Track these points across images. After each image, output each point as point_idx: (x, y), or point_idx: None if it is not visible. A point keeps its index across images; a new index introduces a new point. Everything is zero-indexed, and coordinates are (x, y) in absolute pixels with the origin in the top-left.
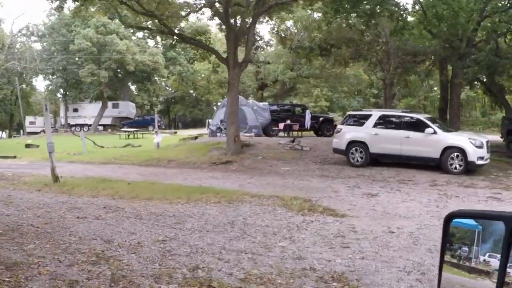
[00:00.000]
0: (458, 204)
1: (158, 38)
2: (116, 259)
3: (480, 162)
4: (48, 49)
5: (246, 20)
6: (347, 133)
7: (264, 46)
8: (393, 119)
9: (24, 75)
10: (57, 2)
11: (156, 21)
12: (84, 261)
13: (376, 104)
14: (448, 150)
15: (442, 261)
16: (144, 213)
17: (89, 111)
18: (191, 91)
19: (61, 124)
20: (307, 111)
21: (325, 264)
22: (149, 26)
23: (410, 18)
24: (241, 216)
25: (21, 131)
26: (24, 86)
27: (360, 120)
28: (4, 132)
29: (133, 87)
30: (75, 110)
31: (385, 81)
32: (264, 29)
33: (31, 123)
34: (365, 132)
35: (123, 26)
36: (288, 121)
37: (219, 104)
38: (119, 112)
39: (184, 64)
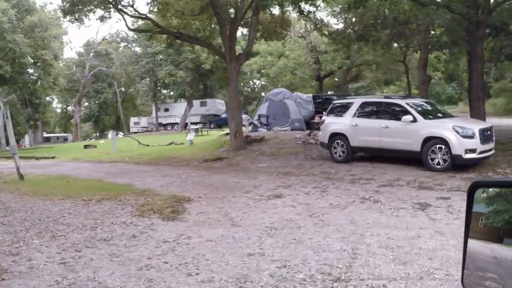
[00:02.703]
0: (332, 211)
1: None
2: None
3: (469, 156)
4: (135, 53)
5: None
6: (329, 125)
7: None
8: (374, 107)
9: (122, 79)
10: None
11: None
12: None
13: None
14: (429, 141)
15: (467, 232)
16: None
17: (178, 110)
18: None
19: (153, 123)
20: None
21: None
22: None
23: None
24: (63, 213)
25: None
26: (122, 89)
27: (342, 110)
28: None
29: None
30: (166, 110)
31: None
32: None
33: (136, 123)
34: (345, 123)
35: None
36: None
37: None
38: (207, 110)
39: None
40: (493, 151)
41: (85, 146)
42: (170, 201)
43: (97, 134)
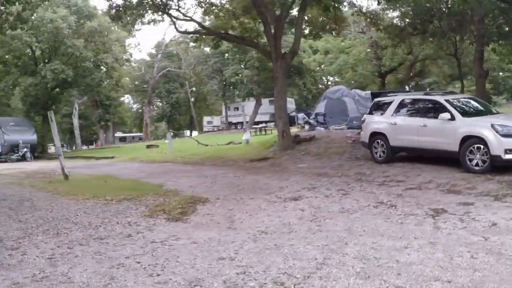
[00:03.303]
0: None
1: None
2: None
3: (510, 156)
4: (203, 53)
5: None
6: (370, 124)
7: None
8: (412, 105)
9: (192, 79)
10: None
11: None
12: None
13: None
14: (467, 140)
15: None
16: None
17: (248, 109)
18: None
19: (223, 122)
20: None
21: None
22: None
23: None
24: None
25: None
26: (194, 88)
27: (383, 108)
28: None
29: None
30: (236, 108)
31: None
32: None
33: (209, 122)
34: (385, 122)
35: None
36: None
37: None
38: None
39: None
40: None
41: (148, 146)
42: (185, 202)
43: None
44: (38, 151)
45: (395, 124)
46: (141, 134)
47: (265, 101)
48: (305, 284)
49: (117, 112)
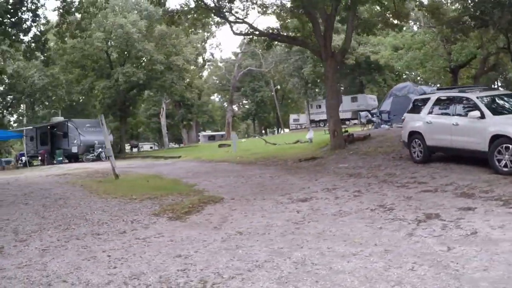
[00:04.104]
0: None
1: None
2: None
3: None
4: (285, 51)
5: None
6: (408, 123)
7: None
8: (447, 102)
9: (275, 77)
10: None
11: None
12: None
13: None
14: (496, 140)
15: None
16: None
17: None
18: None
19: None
20: None
21: None
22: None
23: None
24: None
25: (278, 129)
26: (278, 87)
27: (421, 106)
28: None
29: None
30: (318, 106)
31: None
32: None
33: (295, 120)
34: (422, 121)
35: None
36: None
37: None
38: (358, 106)
39: None
40: None
41: (220, 146)
42: (199, 202)
43: (262, 131)
44: (116, 151)
45: (431, 123)
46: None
47: (346, 99)
48: (223, 284)
49: (201, 112)
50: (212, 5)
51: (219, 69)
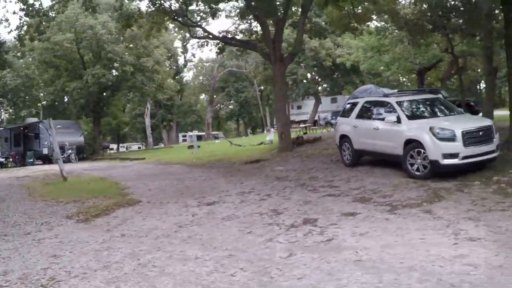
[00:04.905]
0: None
1: None
2: None
3: (449, 161)
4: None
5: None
6: (339, 126)
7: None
8: (372, 106)
9: (257, 78)
10: None
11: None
12: None
13: None
14: (409, 144)
15: None
16: None
17: (310, 107)
18: None
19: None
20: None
21: None
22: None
23: None
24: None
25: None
26: (262, 87)
27: (350, 110)
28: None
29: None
30: (299, 107)
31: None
32: None
33: None
34: (349, 125)
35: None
36: None
37: None
38: (337, 106)
39: None
40: (494, 155)
41: (189, 147)
42: (114, 205)
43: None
44: (89, 153)
45: (357, 127)
46: (217, 132)
47: (325, 100)
48: (64, 282)
49: (182, 112)
50: (171, 8)
51: (203, 69)
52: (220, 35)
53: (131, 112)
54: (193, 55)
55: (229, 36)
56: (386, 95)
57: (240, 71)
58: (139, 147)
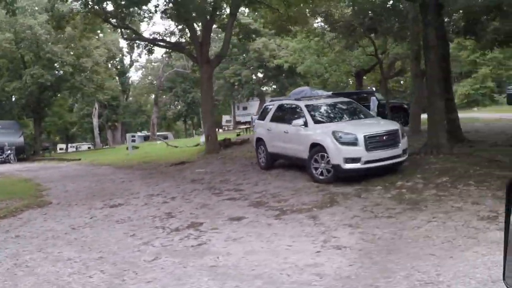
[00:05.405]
0: None
1: None
2: None
3: (351, 166)
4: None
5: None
6: (256, 129)
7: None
8: (284, 110)
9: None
10: None
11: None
12: None
13: None
14: (314, 148)
15: (507, 228)
16: None
17: (255, 108)
18: None
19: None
20: (372, 98)
21: None
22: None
23: None
24: None
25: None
26: None
27: (266, 113)
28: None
29: None
30: (245, 108)
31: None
32: None
33: (228, 121)
34: (264, 128)
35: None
36: None
37: None
38: None
39: None
40: (400, 159)
41: (128, 148)
42: (23, 206)
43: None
44: (30, 153)
45: (270, 130)
46: (167, 133)
47: (268, 101)
48: None
49: (128, 113)
50: (103, 10)
51: (151, 69)
52: (151, 37)
53: (79, 112)
54: (139, 55)
55: (159, 38)
56: (297, 99)
57: (186, 72)
58: (89, 147)
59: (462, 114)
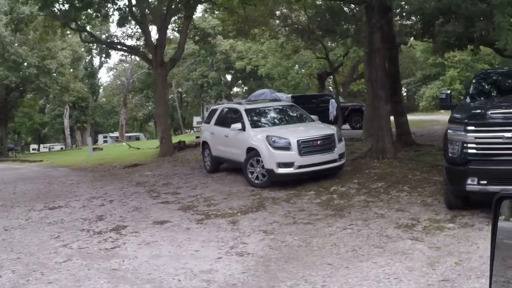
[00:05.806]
0: None
1: None
2: None
3: (284, 170)
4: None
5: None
6: (203, 132)
7: None
8: (227, 113)
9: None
10: None
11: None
12: None
13: None
14: (250, 152)
15: (494, 245)
16: None
17: None
18: None
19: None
20: (331, 101)
21: None
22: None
23: None
24: None
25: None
26: (180, 89)
27: (212, 116)
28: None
29: None
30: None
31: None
32: None
33: (198, 122)
34: (209, 131)
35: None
36: None
37: None
38: None
39: None
40: (335, 164)
41: (94, 149)
42: None
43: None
44: None
45: (213, 133)
46: (138, 134)
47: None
48: None
49: (97, 113)
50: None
51: (122, 71)
52: (108, 40)
53: (50, 112)
54: (108, 55)
55: (116, 41)
56: (239, 103)
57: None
58: (62, 148)
59: (424, 117)
